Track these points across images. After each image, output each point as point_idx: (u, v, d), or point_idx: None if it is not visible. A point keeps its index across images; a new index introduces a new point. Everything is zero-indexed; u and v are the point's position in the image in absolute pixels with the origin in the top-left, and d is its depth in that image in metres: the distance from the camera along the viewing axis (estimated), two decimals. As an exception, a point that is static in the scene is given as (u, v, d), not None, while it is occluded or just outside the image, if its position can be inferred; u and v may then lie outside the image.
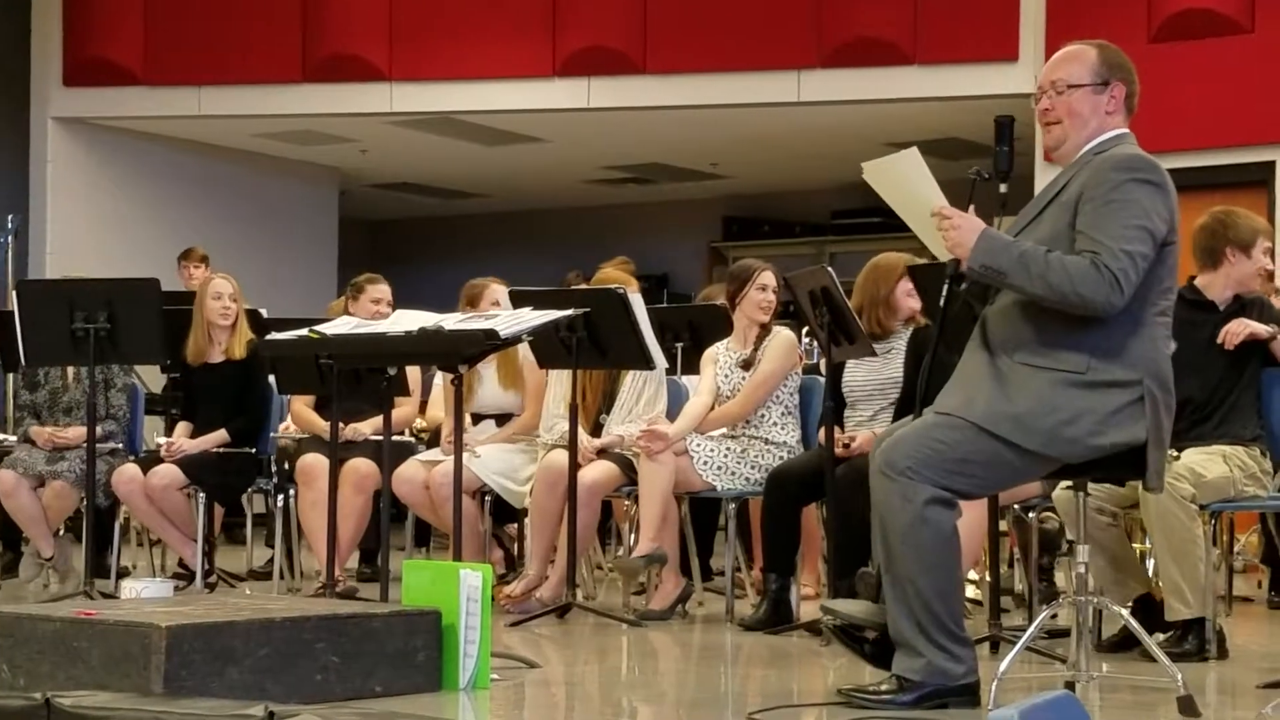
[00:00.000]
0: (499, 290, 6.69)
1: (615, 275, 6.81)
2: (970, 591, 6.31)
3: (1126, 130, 4.15)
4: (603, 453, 6.42)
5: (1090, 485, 4.86)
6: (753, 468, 6.33)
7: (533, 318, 5.36)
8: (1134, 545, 5.84)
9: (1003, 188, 4.18)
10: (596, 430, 6.55)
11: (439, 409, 7.22)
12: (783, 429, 6.43)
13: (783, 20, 10.53)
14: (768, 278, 6.47)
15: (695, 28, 10.67)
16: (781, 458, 6.32)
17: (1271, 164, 9.63)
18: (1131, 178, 3.93)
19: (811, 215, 14.05)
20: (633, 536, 6.54)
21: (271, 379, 6.83)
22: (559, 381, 6.53)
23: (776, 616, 5.94)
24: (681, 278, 14.40)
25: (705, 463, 6.29)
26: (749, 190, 14.17)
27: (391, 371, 5.56)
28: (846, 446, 5.89)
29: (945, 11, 10.27)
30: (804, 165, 12.85)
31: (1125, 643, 5.14)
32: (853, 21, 10.40)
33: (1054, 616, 5.11)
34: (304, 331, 5.46)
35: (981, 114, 10.23)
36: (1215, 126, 9.66)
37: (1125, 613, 4.48)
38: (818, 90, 10.60)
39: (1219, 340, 5.44)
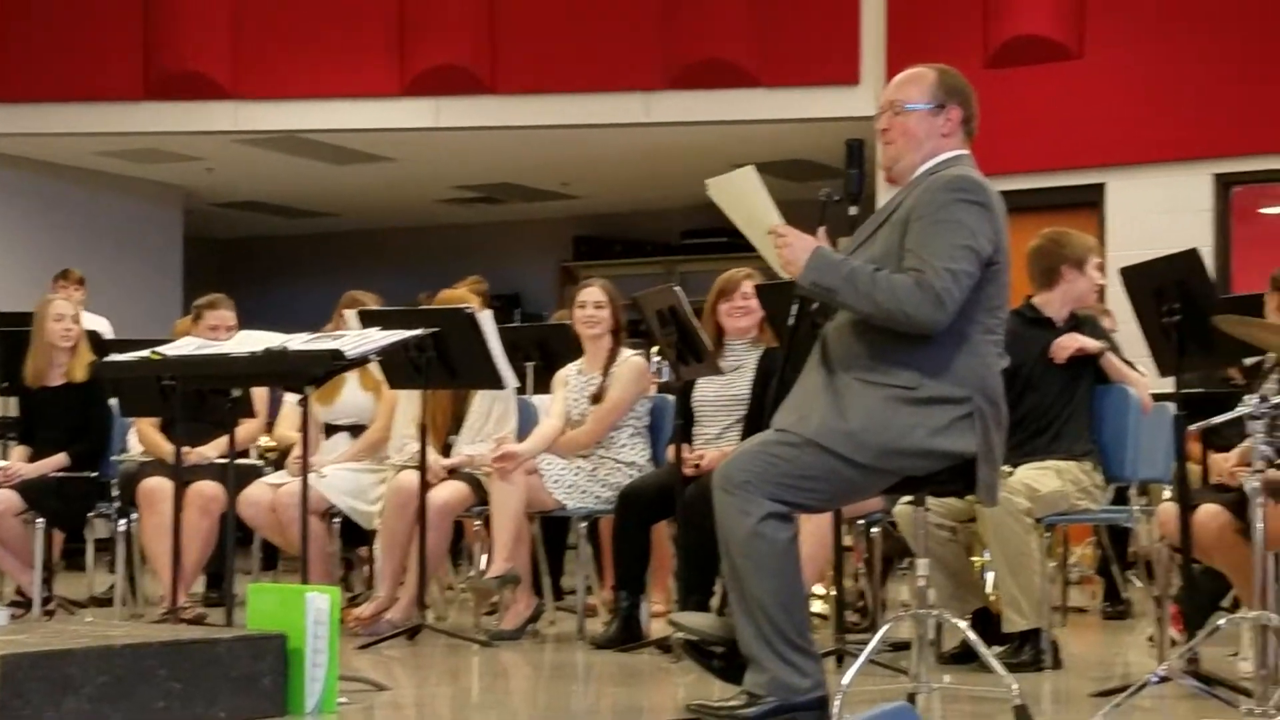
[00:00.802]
0: (371, 304, 6.73)
1: (461, 295, 6.81)
2: (816, 606, 6.40)
3: (964, 152, 4.21)
4: (453, 473, 6.42)
5: (930, 500, 4.98)
6: (603, 486, 6.37)
7: (381, 338, 5.35)
8: (973, 559, 5.97)
9: (853, 210, 4.24)
10: (446, 450, 6.55)
11: (288, 428, 7.16)
12: (632, 449, 6.48)
13: (631, 41, 10.61)
14: (586, 294, 6.54)
15: (544, 48, 10.71)
16: (632, 476, 6.37)
17: (1101, 186, 9.91)
18: (958, 198, 3.99)
19: (662, 235, 14.15)
20: (484, 557, 6.55)
21: (114, 401, 6.72)
22: (408, 401, 6.51)
23: (627, 634, 5.98)
24: (533, 297, 14.42)
25: (556, 482, 6.32)
26: (600, 210, 14.24)
27: (236, 393, 5.51)
28: (697, 467, 5.95)
29: (790, 35, 10.43)
30: (654, 185, 12.95)
31: (965, 654, 5.25)
32: (700, 44, 10.51)
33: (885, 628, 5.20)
34: (145, 353, 5.39)
35: (827, 136, 10.44)
36: (1048, 149, 9.94)
37: (964, 625, 4.58)
38: (666, 111, 10.70)
39: (1049, 354, 5.60)
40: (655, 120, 10.76)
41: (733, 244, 12.90)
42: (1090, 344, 5.62)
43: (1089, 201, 9.91)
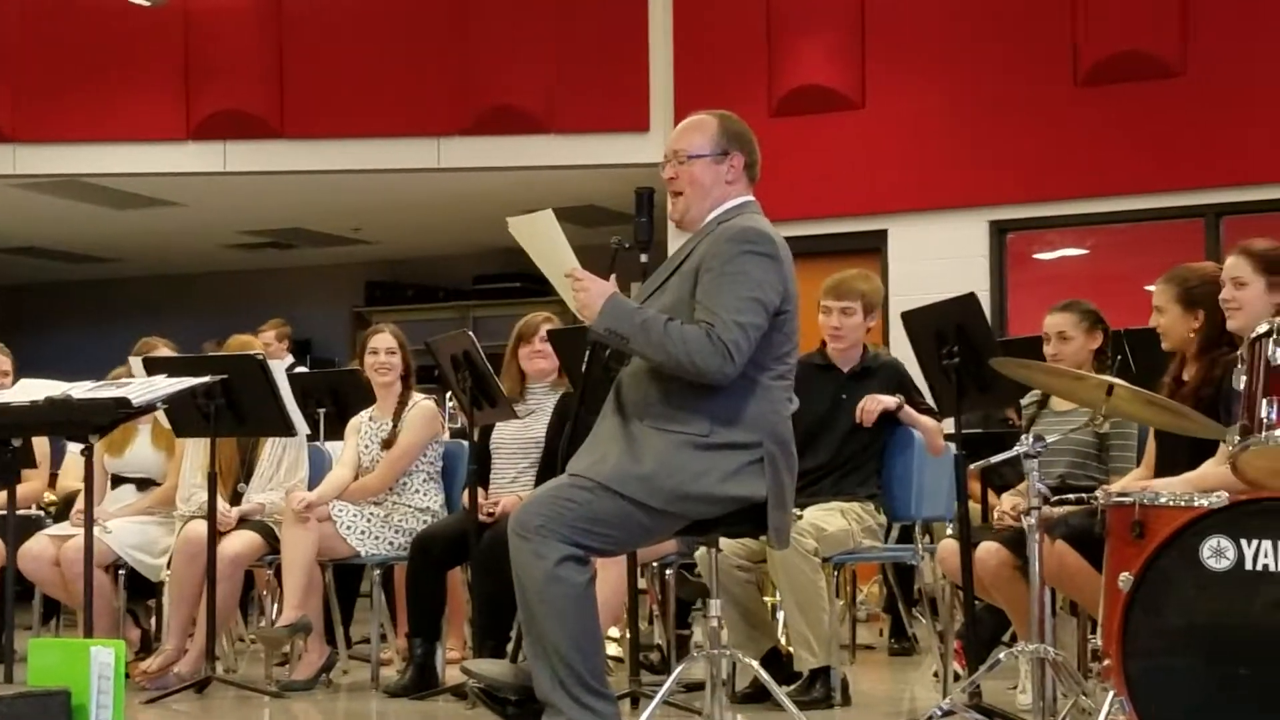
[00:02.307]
0: (165, 351, 6.59)
1: (249, 341, 6.72)
2: (612, 649, 6.43)
3: (750, 198, 4.30)
4: (243, 521, 6.32)
5: (726, 541, 5.06)
6: (397, 532, 6.33)
7: (168, 385, 5.25)
8: (765, 598, 6.07)
9: (643, 257, 4.30)
10: (236, 499, 6.45)
11: (72, 479, 6.98)
12: (425, 494, 6.45)
13: (423, 87, 10.61)
14: (376, 340, 6.53)
15: (335, 92, 10.65)
16: (426, 521, 6.35)
17: (884, 232, 10.20)
18: (746, 250, 4.07)
19: (455, 280, 14.14)
20: (275, 606, 6.45)
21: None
22: (196, 450, 6.40)
23: (422, 681, 5.94)
24: (324, 343, 14.26)
25: (349, 528, 6.26)
26: (392, 255, 14.17)
27: (16, 443, 5.35)
28: (491, 514, 5.95)
29: (580, 82, 10.54)
30: (447, 230, 12.94)
31: (758, 694, 5.33)
32: (492, 90, 10.56)
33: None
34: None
35: (618, 182, 10.57)
36: (832, 197, 10.19)
37: (756, 664, 4.64)
38: (458, 157, 10.72)
39: (857, 421, 5.71)
40: (447, 166, 10.77)
41: (526, 288, 13.02)
42: (888, 402, 5.74)
43: (872, 247, 10.18)
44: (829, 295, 5.84)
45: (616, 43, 10.61)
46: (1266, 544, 3.47)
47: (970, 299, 5.03)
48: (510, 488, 6.18)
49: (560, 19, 10.56)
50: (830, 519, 5.54)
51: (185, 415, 6.01)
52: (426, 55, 10.61)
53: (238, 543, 6.22)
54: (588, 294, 4.10)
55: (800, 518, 5.41)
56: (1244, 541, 3.50)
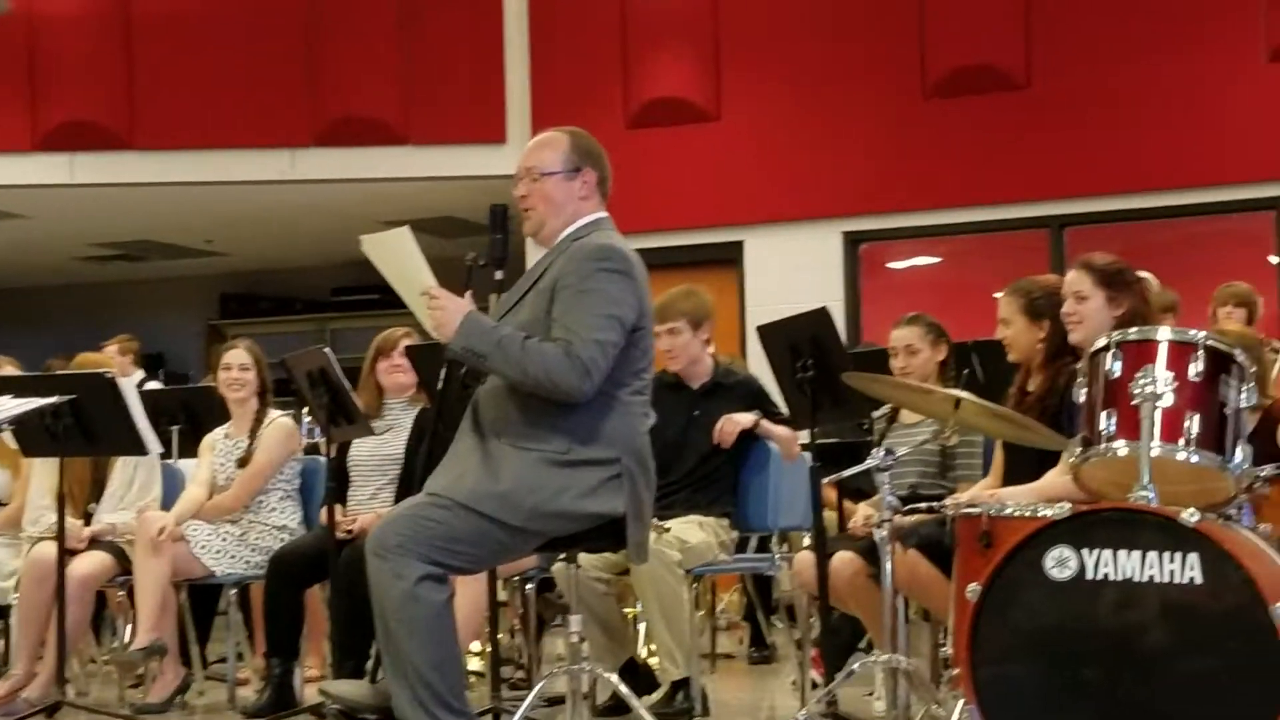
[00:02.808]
0: (10, 369, 6.45)
1: (100, 359, 6.61)
2: (473, 663, 6.43)
3: (604, 215, 4.33)
4: (94, 542, 6.22)
5: (586, 555, 5.08)
6: (253, 551, 6.26)
7: (13, 406, 5.16)
8: (625, 609, 6.10)
9: (498, 274, 4.31)
10: (87, 519, 6.33)
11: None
12: (283, 512, 6.39)
13: (276, 97, 10.51)
14: (230, 356, 6.47)
15: (185, 103, 10.50)
16: (283, 540, 6.29)
17: (740, 244, 10.30)
18: (601, 267, 4.10)
19: (311, 292, 14.01)
20: (129, 628, 6.34)
21: None
22: (45, 470, 6.28)
23: (280, 701, 5.88)
24: (178, 356, 14.06)
25: (203, 548, 6.18)
26: (247, 267, 14.00)
27: None
28: (349, 533, 5.92)
29: (436, 93, 10.51)
30: (303, 242, 12.82)
31: (619, 707, 5.34)
32: (346, 101, 10.50)
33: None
34: None
35: (476, 193, 10.55)
36: (688, 208, 10.28)
37: (616, 680, 4.67)
38: (312, 168, 10.63)
39: (716, 442, 5.76)
40: (302, 177, 10.67)
41: (384, 300, 12.85)
42: (744, 420, 5.80)
43: (729, 259, 10.28)
44: (654, 321, 5.89)
45: (471, 54, 10.60)
46: (1106, 554, 3.57)
47: (823, 314, 5.11)
48: (369, 505, 6.15)
49: (413, 30, 10.53)
50: (691, 531, 5.59)
51: (33, 435, 5.90)
52: (278, 65, 10.51)
53: (88, 564, 6.11)
54: (444, 312, 4.10)
55: (668, 530, 5.46)
56: (1085, 551, 3.60)
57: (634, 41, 10.39)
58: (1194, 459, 3.74)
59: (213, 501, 6.34)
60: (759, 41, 10.19)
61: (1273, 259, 9.30)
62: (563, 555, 4.66)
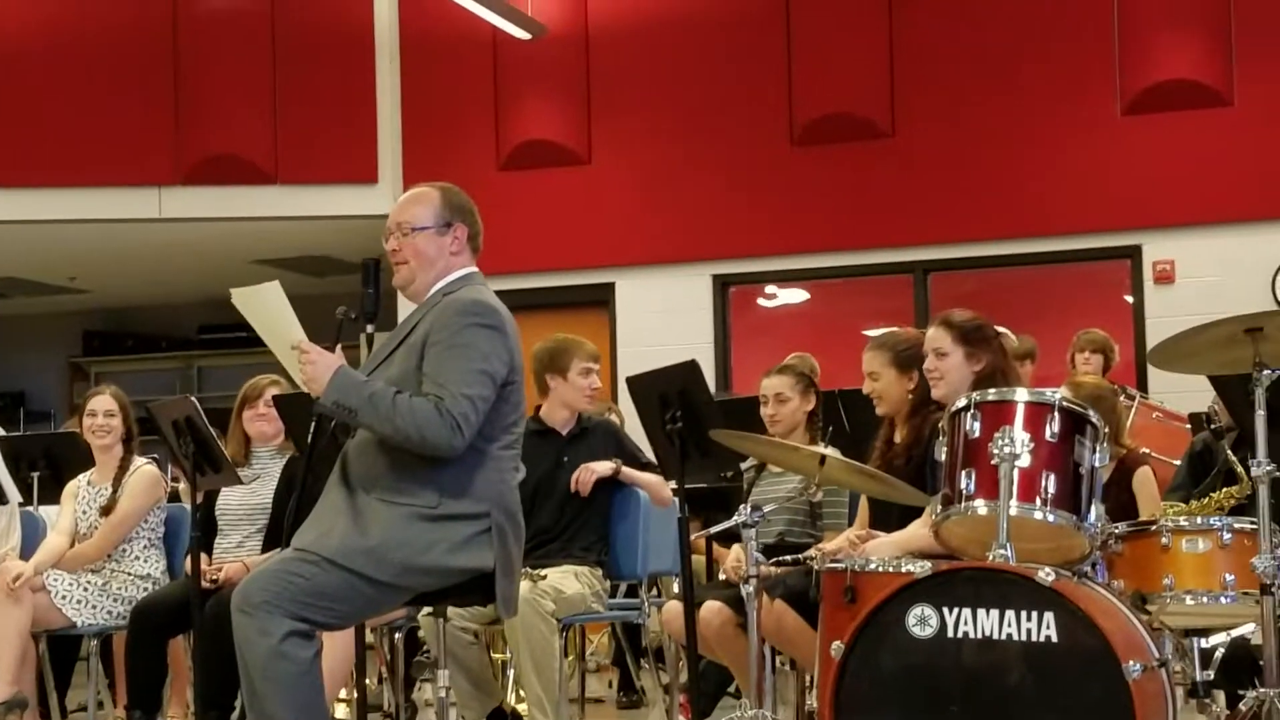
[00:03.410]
0: None
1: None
2: (340, 711, 6.38)
3: (474, 269, 4.34)
4: (-50, 594, 6.09)
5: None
6: (115, 600, 6.17)
7: None
8: (495, 654, 6.10)
9: (370, 328, 4.32)
10: (-59, 570, 6.20)
11: None
12: (146, 561, 6.31)
13: (143, 136, 10.39)
14: (96, 402, 6.39)
15: (48, 141, 10.35)
16: (146, 589, 6.21)
17: (611, 285, 10.36)
18: (471, 322, 4.11)
19: (178, 330, 13.83)
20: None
21: None
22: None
23: (142, 755, 5.80)
24: (39, 395, 13.80)
25: (64, 598, 6.08)
26: (112, 304, 13.78)
27: None
28: (214, 582, 5.86)
29: (305, 133, 10.45)
30: (169, 280, 12.65)
31: (486, 756, 5.35)
32: (214, 139, 10.41)
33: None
34: None
35: (347, 233, 10.52)
36: (561, 250, 10.32)
37: (483, 730, 4.68)
38: (180, 207, 10.52)
39: (573, 490, 5.79)
40: (169, 216, 10.55)
41: (252, 338, 12.64)
42: (602, 469, 5.85)
43: (600, 300, 10.33)
44: (584, 356, 5.95)
45: (342, 94, 10.56)
46: (966, 611, 3.65)
47: (692, 366, 5.15)
48: (236, 553, 6.09)
49: (284, 69, 10.47)
50: (568, 582, 5.61)
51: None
52: (146, 103, 10.39)
53: (-58, 615, 5.98)
54: (314, 367, 4.09)
55: (544, 577, 5.47)
56: (945, 609, 3.67)
57: (506, 84, 10.43)
58: (1050, 518, 3.84)
59: (75, 550, 6.25)
60: (630, 86, 10.28)
61: (1128, 298, 9.56)
62: (429, 610, 4.66)
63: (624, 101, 10.28)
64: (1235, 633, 4.37)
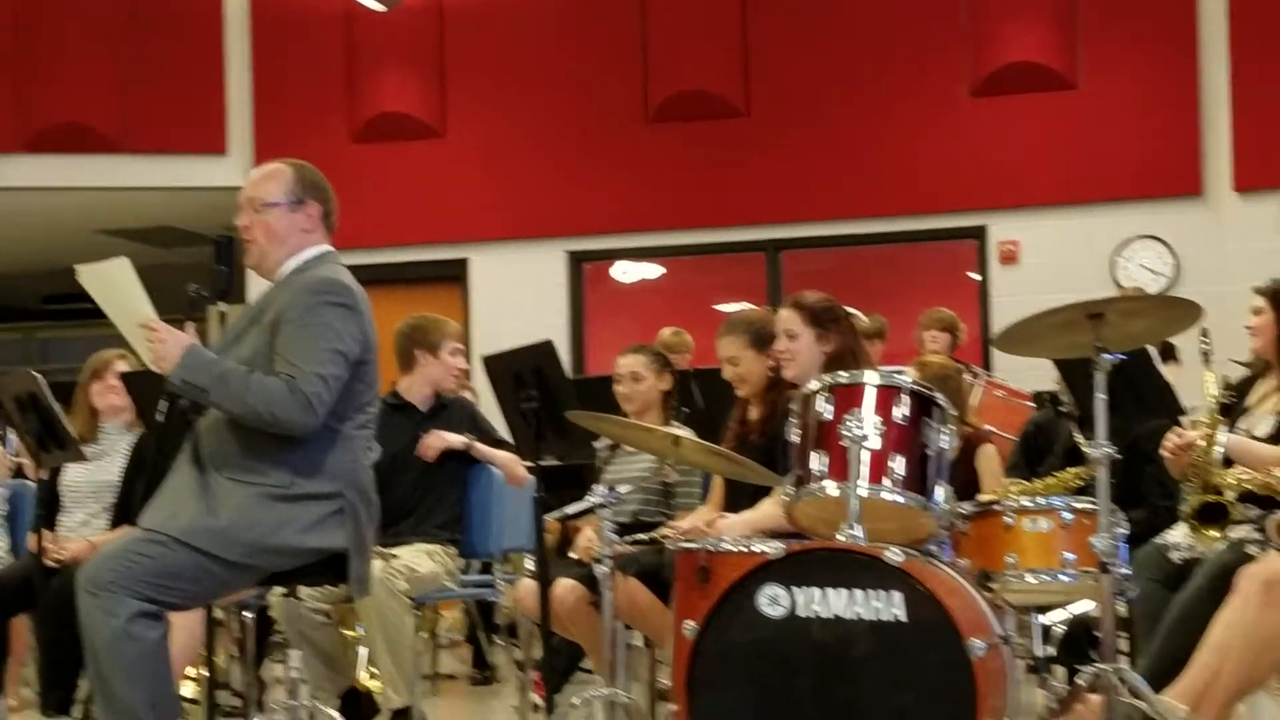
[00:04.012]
0: None
1: None
2: (187, 689, 6.30)
3: (328, 248, 4.30)
4: None
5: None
6: (-46, 580, 6.03)
7: None
8: (347, 631, 6.05)
9: (222, 306, 4.26)
10: None
11: None
12: (-12, 539, 6.18)
13: (-19, 101, 10.13)
14: None
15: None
16: (-12, 567, 6.08)
17: (465, 261, 10.32)
18: (324, 301, 4.07)
19: (21, 301, 13.51)
20: None
21: None
22: None
23: (-17, 737, 5.69)
24: (-128, 366, 13.40)
25: (-98, 578, 5.93)
26: (-50, 274, 13.44)
27: None
28: (59, 560, 5.75)
29: (153, 102, 10.26)
30: (12, 251, 12.35)
31: (342, 735, 5.32)
32: (58, 107, 10.18)
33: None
34: None
35: (196, 204, 10.34)
36: (414, 224, 10.26)
37: (335, 714, 4.65)
38: (22, 176, 10.28)
39: (417, 452, 5.78)
40: (9, 185, 10.30)
41: (98, 310, 12.51)
42: (454, 440, 5.84)
43: (453, 275, 10.29)
44: (456, 337, 5.96)
45: (191, 62, 10.38)
46: (817, 591, 3.71)
47: (547, 346, 5.16)
48: (81, 531, 5.98)
49: (131, 37, 10.26)
50: (420, 560, 5.59)
51: None
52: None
53: None
54: (164, 345, 4.04)
55: (396, 557, 5.45)
56: (796, 589, 3.73)
57: (359, 56, 10.32)
58: (899, 499, 3.91)
59: (-88, 529, 6.09)
60: (485, 60, 10.23)
61: (974, 276, 9.74)
62: (283, 590, 4.63)
63: (479, 75, 10.23)
64: (1075, 610, 4.50)
